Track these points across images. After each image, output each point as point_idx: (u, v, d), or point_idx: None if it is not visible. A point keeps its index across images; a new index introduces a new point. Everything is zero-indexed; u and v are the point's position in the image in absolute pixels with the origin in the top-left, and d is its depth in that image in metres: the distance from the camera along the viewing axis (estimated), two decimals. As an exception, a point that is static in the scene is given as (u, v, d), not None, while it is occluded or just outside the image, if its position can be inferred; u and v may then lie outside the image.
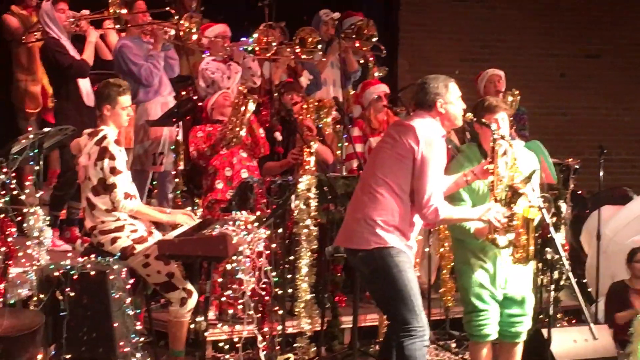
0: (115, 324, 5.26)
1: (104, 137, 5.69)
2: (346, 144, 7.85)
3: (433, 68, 9.37)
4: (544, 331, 6.19)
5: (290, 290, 6.46)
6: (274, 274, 6.05)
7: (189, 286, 5.83)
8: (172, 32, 7.90)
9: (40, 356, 5.15)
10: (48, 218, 6.06)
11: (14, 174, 5.74)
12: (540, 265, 6.47)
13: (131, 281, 5.47)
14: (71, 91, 7.56)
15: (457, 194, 5.44)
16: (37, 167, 5.92)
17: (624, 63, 12.09)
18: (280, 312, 6.33)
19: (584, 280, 8.12)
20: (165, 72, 7.89)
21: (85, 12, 7.98)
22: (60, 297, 5.21)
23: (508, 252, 5.35)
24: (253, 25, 8.42)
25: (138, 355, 5.38)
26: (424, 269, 7.23)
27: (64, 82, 7.60)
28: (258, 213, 6.21)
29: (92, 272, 5.27)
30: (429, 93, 5.07)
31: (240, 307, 5.91)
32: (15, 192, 5.70)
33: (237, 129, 6.71)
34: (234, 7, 9.56)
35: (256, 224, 5.77)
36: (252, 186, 6.43)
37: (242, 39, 8.34)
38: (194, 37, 8.00)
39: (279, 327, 6.32)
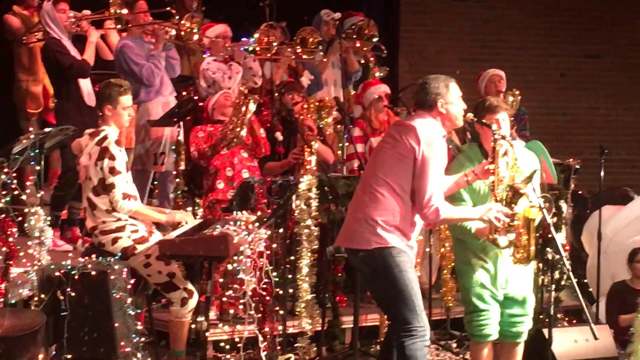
0: (116, 324, 5.26)
1: (104, 137, 5.69)
2: (347, 144, 7.85)
3: (433, 68, 9.39)
4: (545, 331, 6.20)
5: (291, 290, 6.46)
6: (274, 274, 6.05)
7: (190, 286, 5.83)
8: (173, 32, 7.90)
9: (41, 356, 5.15)
10: (49, 218, 6.07)
11: (15, 174, 5.74)
12: (541, 265, 6.46)
13: (132, 281, 5.47)
14: (72, 91, 7.57)
15: (458, 194, 5.44)
16: (38, 167, 5.92)
17: (624, 63, 12.09)
18: (281, 312, 6.33)
19: (585, 280, 8.12)
20: (167, 72, 7.90)
21: (86, 12, 7.99)
22: (61, 297, 5.21)
23: (509, 252, 5.35)
24: (254, 25, 8.43)
25: (139, 355, 5.38)
26: (424, 269, 7.23)
27: (64, 82, 7.61)
28: (259, 213, 6.21)
29: (93, 272, 5.27)
30: (429, 93, 5.07)
31: (241, 307, 5.91)
32: (16, 192, 5.70)
33: (238, 129, 6.71)
34: (234, 7, 9.56)
35: (257, 224, 5.77)
36: (253, 186, 6.43)
37: (243, 39, 8.35)
38: (195, 37, 8.00)
39: (280, 327, 6.32)
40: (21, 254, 5.73)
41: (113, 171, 5.64)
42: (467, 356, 6.65)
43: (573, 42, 11.95)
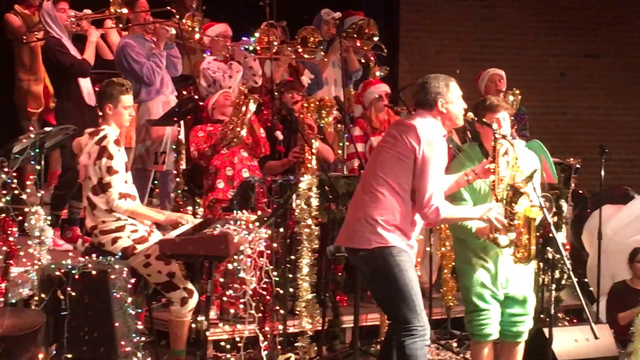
0: (117, 324, 5.25)
1: (104, 137, 5.69)
2: (347, 143, 7.85)
3: (434, 67, 9.33)
4: (546, 330, 6.21)
5: (291, 290, 6.45)
6: (275, 273, 6.05)
7: (190, 286, 5.83)
8: (173, 31, 7.90)
9: (41, 356, 5.14)
10: (49, 217, 6.06)
11: (15, 174, 5.74)
12: (541, 264, 6.46)
13: (132, 281, 5.47)
14: (72, 91, 7.56)
15: (459, 193, 5.44)
16: (38, 167, 5.92)
17: (624, 63, 12.09)
18: (282, 311, 6.33)
19: (585, 280, 8.12)
20: (169, 70, 7.90)
21: (87, 11, 7.98)
22: (62, 297, 5.21)
23: (509, 251, 5.35)
24: (254, 24, 8.43)
25: (139, 354, 5.38)
26: (425, 269, 7.22)
27: (65, 81, 7.60)
28: (259, 212, 6.21)
29: (94, 272, 5.26)
30: (429, 92, 5.07)
31: (241, 306, 5.91)
32: (16, 192, 5.70)
33: (238, 128, 6.70)
34: (234, 7, 9.57)
35: (257, 223, 5.77)
36: (254, 185, 6.42)
37: (243, 38, 8.35)
38: (197, 36, 8.00)
39: (280, 327, 6.32)
40: (21, 253, 5.73)
41: (110, 170, 5.64)
42: (468, 355, 6.65)
43: (573, 42, 11.96)
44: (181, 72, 8.18)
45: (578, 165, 7.67)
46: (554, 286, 6.24)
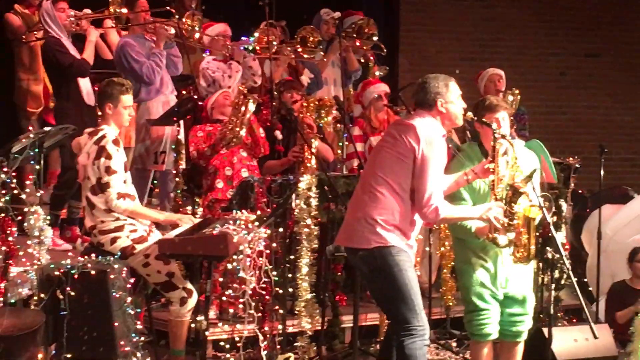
0: (116, 324, 5.25)
1: (103, 137, 5.69)
2: (347, 143, 7.85)
3: (433, 67, 9.36)
4: (545, 330, 6.20)
5: (290, 290, 6.46)
6: (274, 273, 6.05)
7: (189, 285, 5.83)
8: (173, 30, 7.89)
9: (40, 355, 5.14)
10: (48, 217, 6.06)
11: (14, 173, 5.74)
12: (541, 264, 6.45)
13: (131, 280, 5.47)
14: (71, 90, 7.56)
15: (458, 193, 5.44)
16: (37, 167, 5.91)
17: (624, 62, 12.09)
18: (281, 311, 6.33)
19: (585, 280, 8.12)
20: (169, 69, 7.90)
21: (86, 11, 7.98)
22: (61, 297, 5.20)
23: (509, 251, 5.35)
24: (253, 24, 8.42)
25: (138, 354, 5.38)
26: (424, 268, 7.22)
27: (64, 81, 7.60)
28: (258, 212, 6.21)
29: (93, 272, 5.26)
30: (429, 92, 5.07)
31: (240, 306, 5.92)
32: (15, 192, 5.70)
33: (237, 128, 6.70)
34: (234, 7, 9.56)
35: (257, 223, 5.76)
36: (253, 185, 6.43)
37: (243, 38, 8.34)
38: (196, 35, 8.00)
39: (280, 326, 6.32)
40: (21, 253, 5.73)
41: (109, 170, 5.64)
42: (467, 355, 6.65)
43: (573, 41, 11.96)
44: (181, 72, 8.18)
45: (577, 165, 7.67)
46: (553, 286, 6.23)
